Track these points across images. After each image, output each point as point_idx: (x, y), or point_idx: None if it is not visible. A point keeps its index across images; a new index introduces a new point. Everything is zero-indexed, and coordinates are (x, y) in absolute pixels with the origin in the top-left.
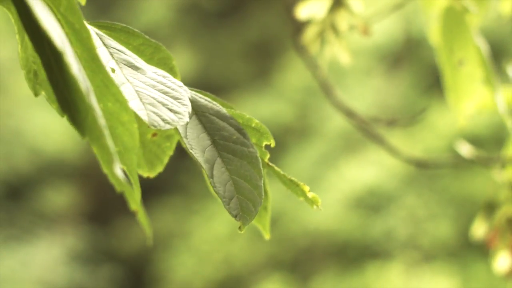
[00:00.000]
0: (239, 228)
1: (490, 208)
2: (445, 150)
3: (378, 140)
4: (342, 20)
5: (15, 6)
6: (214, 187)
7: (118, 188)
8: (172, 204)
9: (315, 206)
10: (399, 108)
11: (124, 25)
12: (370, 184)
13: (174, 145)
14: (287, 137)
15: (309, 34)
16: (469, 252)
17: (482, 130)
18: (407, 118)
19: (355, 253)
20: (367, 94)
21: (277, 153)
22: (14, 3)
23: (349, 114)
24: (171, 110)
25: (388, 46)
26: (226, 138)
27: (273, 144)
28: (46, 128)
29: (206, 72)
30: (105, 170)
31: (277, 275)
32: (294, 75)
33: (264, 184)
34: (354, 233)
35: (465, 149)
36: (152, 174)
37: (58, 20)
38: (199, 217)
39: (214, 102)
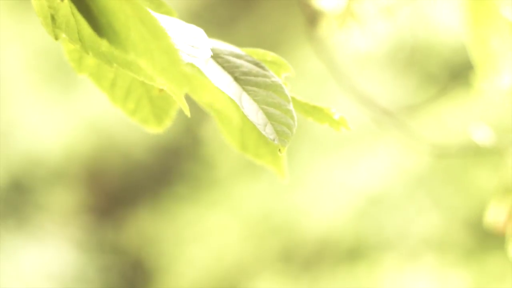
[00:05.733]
0: (279, 150)
1: (504, 193)
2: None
3: (398, 128)
4: (362, 6)
5: None
6: (247, 116)
7: (182, 86)
8: (180, 195)
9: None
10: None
11: None
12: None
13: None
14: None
15: (327, 21)
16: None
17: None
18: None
19: (364, 256)
20: (378, 92)
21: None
22: None
23: (363, 101)
24: (192, 46)
25: (397, 45)
26: (247, 73)
27: (292, 74)
28: (50, 124)
29: None
30: (165, 74)
31: (284, 273)
32: (305, 70)
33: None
34: (365, 236)
35: (481, 135)
36: (161, 129)
37: None
38: (207, 210)
39: (226, 43)
